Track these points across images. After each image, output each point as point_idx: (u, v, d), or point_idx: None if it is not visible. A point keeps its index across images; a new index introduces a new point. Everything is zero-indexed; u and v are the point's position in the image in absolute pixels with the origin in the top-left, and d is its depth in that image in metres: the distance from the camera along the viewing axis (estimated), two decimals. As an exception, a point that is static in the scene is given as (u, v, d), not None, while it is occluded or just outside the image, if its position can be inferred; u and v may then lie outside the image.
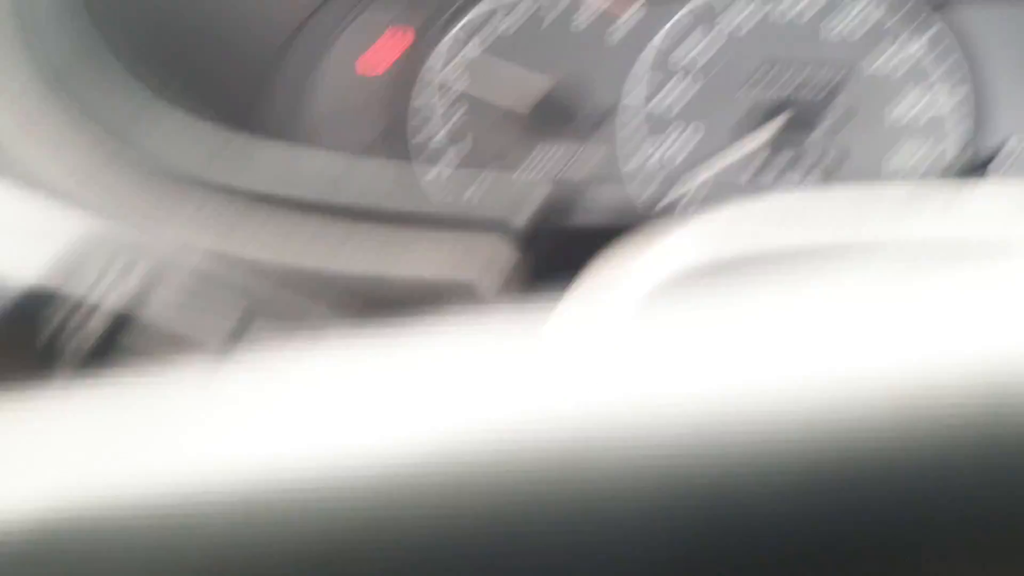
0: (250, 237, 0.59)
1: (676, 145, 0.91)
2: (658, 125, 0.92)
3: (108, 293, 0.43)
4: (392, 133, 0.91)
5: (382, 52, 0.92)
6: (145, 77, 0.67)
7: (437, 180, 0.91)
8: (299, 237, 0.60)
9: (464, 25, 0.92)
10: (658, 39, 0.92)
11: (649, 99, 0.92)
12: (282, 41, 0.90)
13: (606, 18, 0.92)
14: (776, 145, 0.91)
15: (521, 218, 0.64)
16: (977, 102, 0.91)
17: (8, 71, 0.61)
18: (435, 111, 0.91)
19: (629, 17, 0.92)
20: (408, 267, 0.60)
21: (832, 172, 0.91)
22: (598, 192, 0.90)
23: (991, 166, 0.83)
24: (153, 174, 0.60)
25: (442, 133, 0.92)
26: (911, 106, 0.92)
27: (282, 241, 0.59)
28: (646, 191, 0.91)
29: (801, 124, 0.90)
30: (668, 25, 0.92)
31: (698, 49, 0.92)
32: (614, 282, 0.41)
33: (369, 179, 0.91)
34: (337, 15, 0.92)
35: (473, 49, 0.92)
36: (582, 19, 0.93)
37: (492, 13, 0.92)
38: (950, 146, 0.92)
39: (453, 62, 0.92)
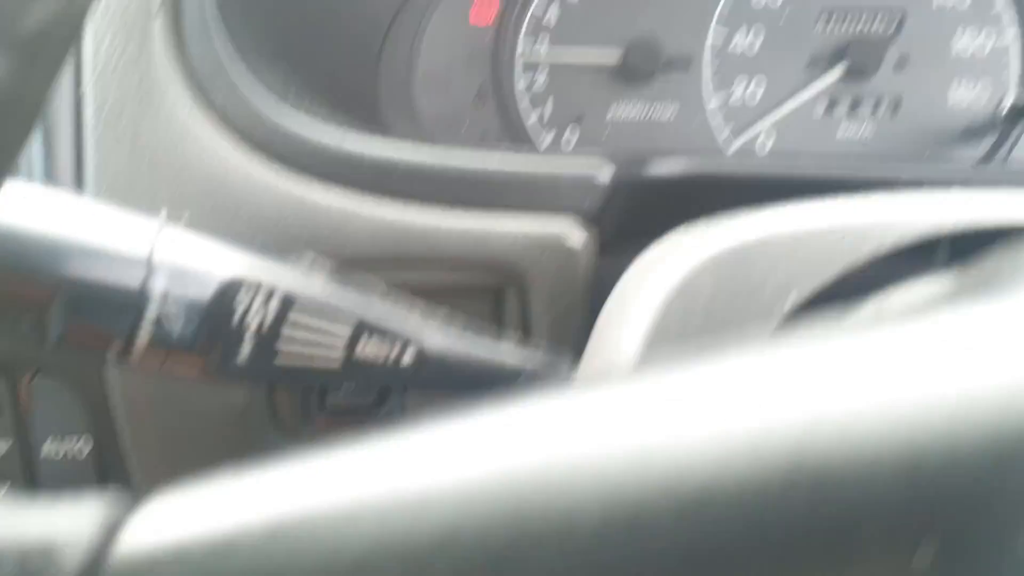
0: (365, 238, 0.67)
1: (753, 84, 1.00)
2: (738, 65, 1.00)
3: (255, 317, 0.50)
4: (499, 81, 1.01)
5: (490, 2, 1.00)
6: (274, 79, 0.72)
7: (537, 126, 1.01)
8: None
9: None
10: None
11: (729, 40, 1.00)
12: (392, 14, 0.98)
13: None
14: (844, 82, 0.98)
15: (609, 170, 0.71)
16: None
17: (162, 84, 0.66)
18: (537, 60, 1.01)
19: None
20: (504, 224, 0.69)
21: (897, 107, 0.98)
22: (683, 130, 0.99)
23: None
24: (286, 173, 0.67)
25: (542, 81, 1.01)
26: (971, 43, 0.98)
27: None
28: (728, 128, 1.00)
29: (863, 66, 0.98)
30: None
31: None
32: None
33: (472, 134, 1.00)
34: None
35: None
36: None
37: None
38: (1010, 84, 0.98)
39: (550, 10, 1.01)
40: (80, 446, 0.74)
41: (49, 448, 0.74)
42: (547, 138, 1.00)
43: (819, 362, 0.26)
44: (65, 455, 0.75)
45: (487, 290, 0.71)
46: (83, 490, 0.76)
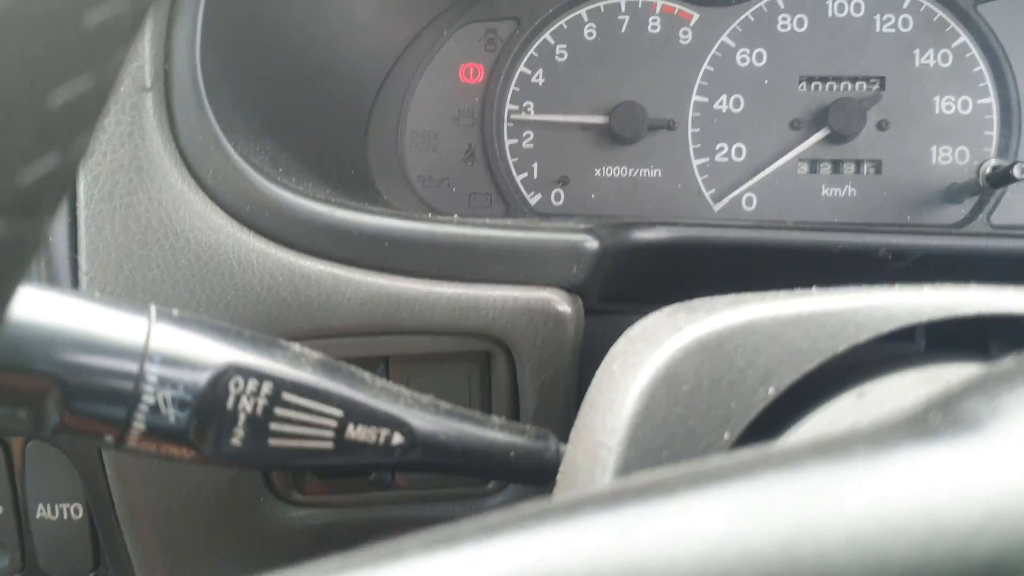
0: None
1: (737, 146, 1.01)
2: (722, 127, 1.01)
3: (248, 402, 0.51)
4: (487, 140, 1.02)
5: (480, 60, 1.02)
6: (262, 154, 0.73)
7: (525, 185, 1.02)
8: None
9: (553, 32, 1.02)
10: (725, 39, 1.01)
11: (713, 103, 1.01)
12: (382, 75, 1.00)
13: (678, 21, 1.01)
14: (826, 143, 1.00)
15: (595, 239, 0.72)
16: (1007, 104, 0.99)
17: (155, 158, 0.67)
18: (525, 120, 1.02)
19: (698, 20, 1.01)
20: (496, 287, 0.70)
21: (879, 167, 1.00)
22: (669, 189, 1.00)
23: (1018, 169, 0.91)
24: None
25: (530, 141, 1.03)
26: (952, 104, 1.00)
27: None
28: (713, 187, 1.01)
29: (845, 129, 0.99)
30: (733, 25, 1.01)
31: (756, 52, 1.01)
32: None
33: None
34: (434, 33, 1.02)
35: (560, 55, 1.02)
36: (657, 23, 1.02)
37: (578, 20, 1.02)
38: (991, 145, 1.00)
39: (540, 69, 1.02)
40: (73, 509, 0.75)
41: (43, 512, 0.75)
42: (535, 197, 1.01)
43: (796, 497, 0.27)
44: (59, 518, 0.75)
45: (476, 355, 0.72)
46: (77, 553, 0.76)
